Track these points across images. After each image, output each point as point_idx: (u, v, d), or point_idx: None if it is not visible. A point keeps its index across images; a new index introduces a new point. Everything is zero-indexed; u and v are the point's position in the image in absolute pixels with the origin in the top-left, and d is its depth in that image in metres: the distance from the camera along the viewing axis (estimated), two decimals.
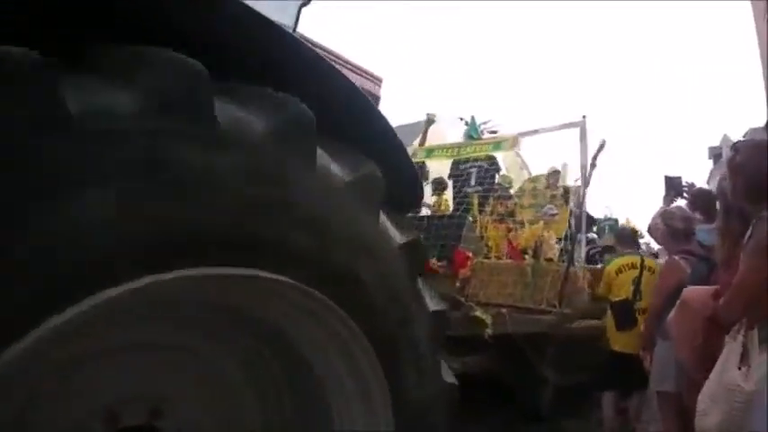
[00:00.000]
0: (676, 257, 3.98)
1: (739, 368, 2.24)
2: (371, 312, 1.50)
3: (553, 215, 6.49)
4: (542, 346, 5.41)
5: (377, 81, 17.44)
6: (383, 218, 1.57)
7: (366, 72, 16.60)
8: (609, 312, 5.05)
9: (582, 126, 6.01)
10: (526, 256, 5.36)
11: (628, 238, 5.71)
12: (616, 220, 9.10)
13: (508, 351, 5.32)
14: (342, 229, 1.40)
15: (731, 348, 2.32)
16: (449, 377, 1.83)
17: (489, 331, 5.15)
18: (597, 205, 9.06)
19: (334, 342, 1.53)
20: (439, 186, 7.39)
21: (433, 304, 1.77)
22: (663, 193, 5.89)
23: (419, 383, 1.65)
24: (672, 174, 5.53)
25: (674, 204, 5.01)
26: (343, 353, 1.54)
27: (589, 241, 8.16)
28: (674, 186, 5.48)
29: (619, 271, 5.09)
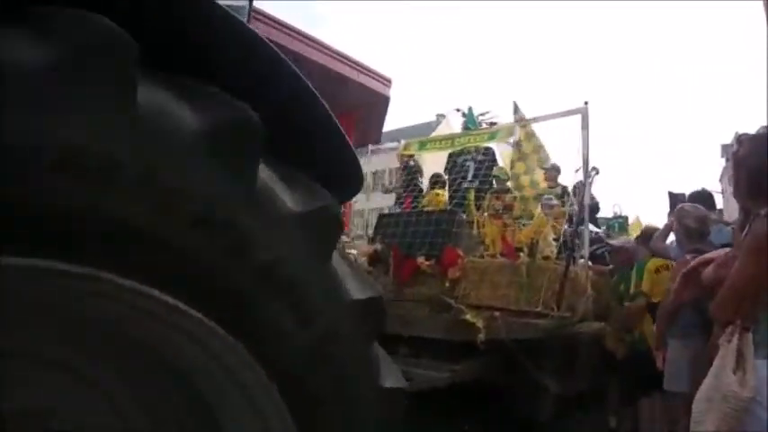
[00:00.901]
0: (688, 257, 3.71)
1: (734, 373, 2.18)
2: (199, 273, 1.06)
3: (552, 206, 5.88)
4: (541, 351, 4.82)
5: (386, 82, 16.93)
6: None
7: (375, 73, 16.09)
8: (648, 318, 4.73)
9: (584, 113, 5.42)
10: (521, 254, 4.76)
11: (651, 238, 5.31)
12: (626, 218, 8.49)
13: (502, 357, 4.75)
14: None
15: (726, 352, 2.25)
16: (361, 291, 1.39)
17: (482, 337, 4.59)
18: (606, 203, 8.45)
19: (186, 334, 1.14)
20: (435, 182, 6.75)
21: (297, 203, 1.24)
22: (667, 208, 5.60)
23: (303, 322, 1.22)
24: (676, 191, 5.39)
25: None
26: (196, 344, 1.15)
27: (595, 239, 7.56)
28: (678, 203, 5.13)
29: (657, 271, 4.79)
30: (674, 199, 5.26)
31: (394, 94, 15.64)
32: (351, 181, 1.62)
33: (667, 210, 5.52)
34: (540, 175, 6.06)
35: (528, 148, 5.77)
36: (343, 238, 6.11)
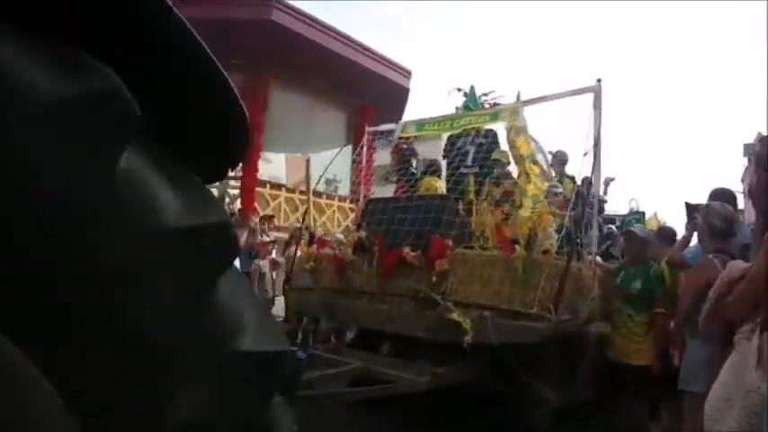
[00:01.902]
0: (710, 256, 3.52)
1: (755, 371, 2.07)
2: None
3: (558, 194, 5.04)
4: (538, 356, 4.02)
5: (406, 73, 16.07)
6: None
7: (396, 65, 15.26)
8: None
9: (596, 91, 4.61)
10: (517, 247, 3.94)
11: (672, 236, 4.99)
12: (643, 214, 7.62)
13: (493, 362, 3.97)
14: None
15: (746, 350, 2.15)
16: (257, 342, 0.99)
17: (468, 339, 3.81)
18: (622, 197, 7.65)
19: None
20: (429, 169, 5.92)
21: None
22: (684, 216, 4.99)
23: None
24: (693, 201, 4.70)
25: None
26: None
27: (608, 235, 6.71)
28: (695, 213, 4.53)
29: None
30: (692, 210, 4.67)
31: (414, 86, 14.88)
32: (239, 141, 1.22)
33: (684, 220, 4.90)
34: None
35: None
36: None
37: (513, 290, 3.91)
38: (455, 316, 3.91)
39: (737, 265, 2.72)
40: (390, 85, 14.33)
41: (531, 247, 3.91)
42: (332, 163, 6.52)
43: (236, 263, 4.44)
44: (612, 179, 7.67)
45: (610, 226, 7.14)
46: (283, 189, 13.37)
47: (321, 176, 7.03)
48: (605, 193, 7.42)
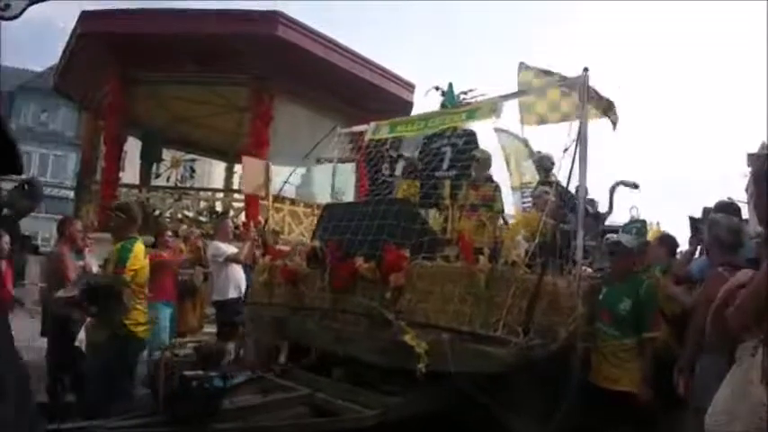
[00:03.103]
0: (720, 269, 3.18)
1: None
2: None
3: (547, 201, 4.27)
4: (509, 384, 3.22)
5: (410, 87, 15.38)
6: None
7: (399, 79, 14.60)
8: None
9: (583, 82, 3.82)
10: (481, 258, 3.17)
11: (673, 244, 4.64)
12: (644, 222, 6.80)
13: (457, 391, 3.18)
14: None
15: (751, 364, 2.00)
16: None
17: (422, 367, 3.05)
18: (623, 206, 6.88)
19: None
20: (409, 170, 5.18)
21: None
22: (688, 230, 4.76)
23: None
24: (696, 215, 4.48)
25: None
26: None
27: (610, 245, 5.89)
28: (699, 227, 4.41)
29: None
30: (695, 223, 4.40)
31: (417, 99, 14.39)
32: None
33: (687, 232, 4.60)
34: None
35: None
36: None
37: (476, 308, 3.13)
38: (408, 339, 3.15)
39: (745, 274, 2.45)
40: (394, 98, 13.83)
41: (496, 259, 3.13)
42: (293, 173, 5.83)
43: (243, 275, 3.86)
44: (619, 183, 6.92)
45: (612, 235, 6.35)
46: (287, 202, 12.84)
47: (285, 183, 6.39)
48: (611, 201, 6.64)
